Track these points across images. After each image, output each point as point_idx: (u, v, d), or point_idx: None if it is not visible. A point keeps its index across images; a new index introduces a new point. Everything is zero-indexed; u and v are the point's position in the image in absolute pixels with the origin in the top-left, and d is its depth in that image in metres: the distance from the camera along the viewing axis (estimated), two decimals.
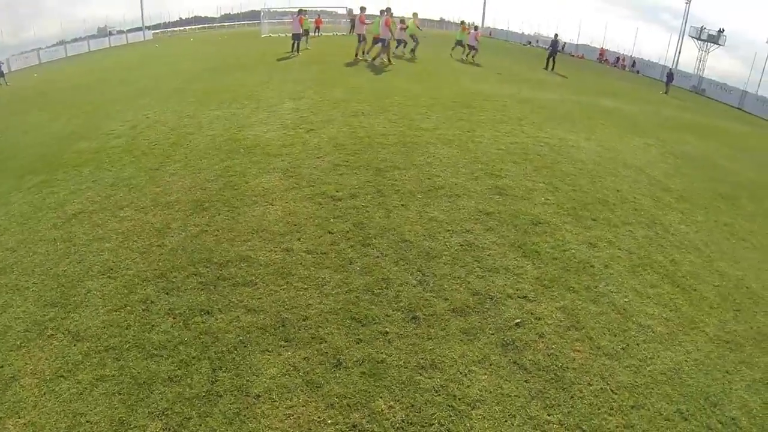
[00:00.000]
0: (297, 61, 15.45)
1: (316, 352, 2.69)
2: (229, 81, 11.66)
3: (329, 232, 3.97)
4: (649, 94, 20.13)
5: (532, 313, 3.22)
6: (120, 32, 41.48)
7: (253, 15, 43.20)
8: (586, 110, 11.06)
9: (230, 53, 19.87)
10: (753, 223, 5.69)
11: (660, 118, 12.86)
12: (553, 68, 18.98)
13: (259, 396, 2.47)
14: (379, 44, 14.17)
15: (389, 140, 6.50)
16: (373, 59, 14.57)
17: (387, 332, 2.86)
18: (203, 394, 2.46)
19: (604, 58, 39.75)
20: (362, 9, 15.67)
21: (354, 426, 2.34)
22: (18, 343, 2.91)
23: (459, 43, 18.11)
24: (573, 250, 4.10)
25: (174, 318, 2.97)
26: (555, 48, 19.42)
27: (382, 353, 2.74)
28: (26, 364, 2.74)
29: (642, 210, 5.26)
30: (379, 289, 3.25)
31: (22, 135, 8.22)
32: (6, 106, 12.99)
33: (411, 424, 2.37)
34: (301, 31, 16.75)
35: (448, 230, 4.19)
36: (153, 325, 2.93)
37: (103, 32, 42.19)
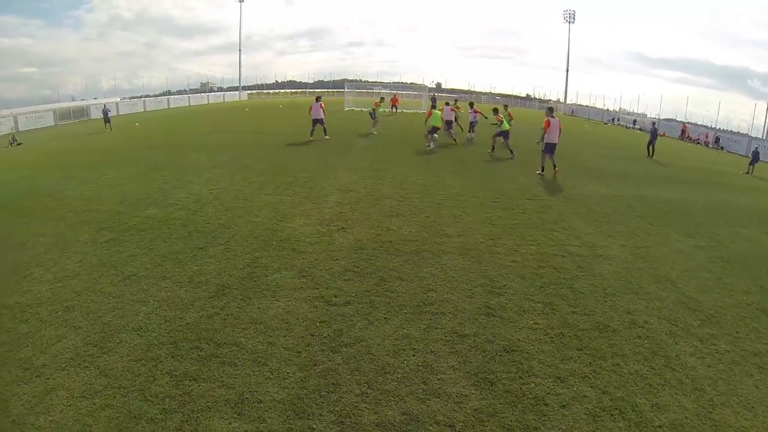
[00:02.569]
0: (366, 145, 17.89)
1: (255, 429, 3.90)
2: (294, 162, 14.12)
3: (311, 335, 5.25)
4: (726, 178, 19.60)
5: None
6: (220, 89, 49.99)
7: (344, 83, 49.10)
8: (639, 207, 11.39)
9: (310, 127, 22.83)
10: None
11: (726, 208, 12.63)
12: (653, 155, 21.95)
13: None
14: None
15: (408, 247, 7.63)
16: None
17: (313, 429, 3.97)
18: None
19: (686, 135, 39.50)
20: (471, 105, 20.95)
21: None
22: (63, 365, 4.51)
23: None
24: (533, 384, 4.33)
25: (171, 377, 4.39)
26: (654, 135, 22.56)
27: None
28: (65, 381, 4.29)
29: (648, 338, 5.21)
30: (326, 391, 4.39)
31: (108, 188, 10.87)
32: (103, 155, 16.53)
33: None
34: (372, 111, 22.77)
35: (414, 348, 4.86)
36: (155, 378, 4.36)
37: (205, 88, 51.06)
